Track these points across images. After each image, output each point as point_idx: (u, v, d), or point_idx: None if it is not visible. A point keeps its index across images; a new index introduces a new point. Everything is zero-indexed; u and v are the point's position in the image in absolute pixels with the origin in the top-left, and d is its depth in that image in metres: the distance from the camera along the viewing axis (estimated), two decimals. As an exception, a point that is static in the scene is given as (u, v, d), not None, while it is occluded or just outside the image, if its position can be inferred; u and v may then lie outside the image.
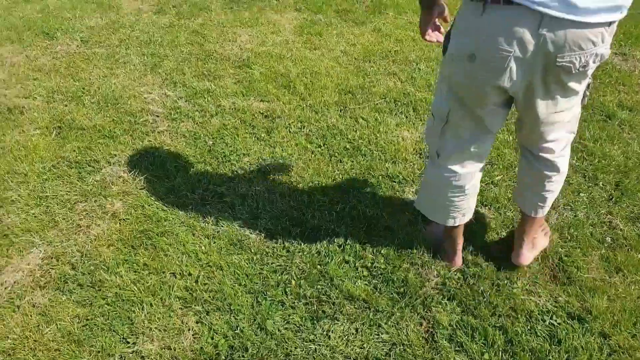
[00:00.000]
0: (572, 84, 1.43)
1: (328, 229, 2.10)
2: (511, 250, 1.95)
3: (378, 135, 2.68)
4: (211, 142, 2.62)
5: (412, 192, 2.31)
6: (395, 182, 2.36)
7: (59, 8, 4.30)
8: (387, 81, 3.17)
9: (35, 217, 2.17)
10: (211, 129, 2.72)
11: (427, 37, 1.63)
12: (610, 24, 1.29)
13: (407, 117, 2.83)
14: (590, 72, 1.42)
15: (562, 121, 1.58)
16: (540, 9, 1.23)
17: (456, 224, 1.83)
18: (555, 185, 1.76)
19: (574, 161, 2.50)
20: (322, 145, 2.61)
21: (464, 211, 1.80)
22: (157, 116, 2.84)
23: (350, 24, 3.99)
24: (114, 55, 3.48)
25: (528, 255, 1.93)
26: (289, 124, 2.78)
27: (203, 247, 2.02)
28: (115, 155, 2.52)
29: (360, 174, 2.40)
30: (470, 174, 1.71)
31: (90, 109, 2.90)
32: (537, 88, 1.42)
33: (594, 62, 1.36)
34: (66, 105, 2.93)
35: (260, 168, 2.44)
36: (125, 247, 2.03)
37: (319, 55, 3.51)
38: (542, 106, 1.48)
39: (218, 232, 2.09)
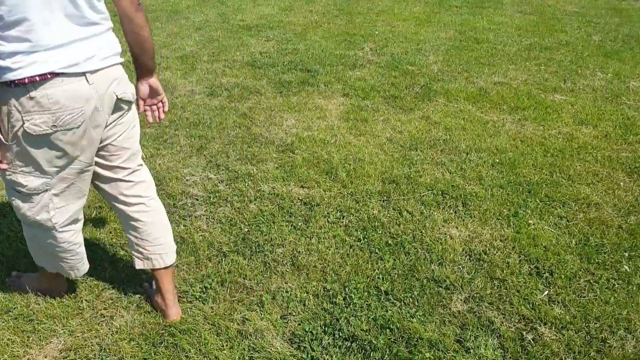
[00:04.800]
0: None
1: (364, 340, 1.88)
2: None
3: (423, 231, 2.49)
4: (246, 230, 2.51)
5: (461, 300, 2.07)
6: (441, 287, 2.14)
7: (118, 88, 4.49)
8: (435, 171, 3.02)
9: (62, 301, 2.08)
10: (248, 215, 2.62)
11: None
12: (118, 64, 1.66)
13: (455, 212, 2.64)
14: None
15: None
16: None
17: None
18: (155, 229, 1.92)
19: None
20: (362, 238, 2.45)
21: None
22: (197, 199, 2.78)
23: (397, 111, 3.93)
24: (162, 136, 3.53)
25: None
26: (328, 213, 2.65)
27: (225, 352, 1.84)
28: (148, 240, 2.44)
29: (403, 276, 2.20)
30: None
31: (131, 189, 2.88)
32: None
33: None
34: (108, 185, 2.92)
35: (294, 262, 2.28)
36: (146, 344, 1.88)
37: (363, 142, 3.43)
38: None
39: (242, 333, 1.92)
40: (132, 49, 1.70)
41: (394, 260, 2.30)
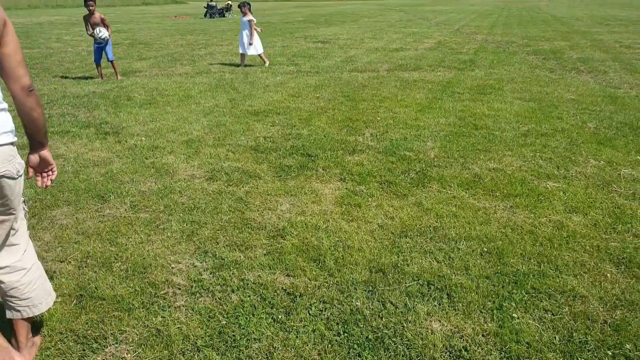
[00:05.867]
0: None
1: None
2: None
3: (405, 325, 2.43)
4: (224, 322, 2.47)
5: (437, 401, 1.98)
6: (417, 387, 2.05)
7: (121, 172, 4.64)
8: (422, 260, 2.99)
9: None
10: (228, 307, 2.59)
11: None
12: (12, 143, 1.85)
13: (439, 304, 2.59)
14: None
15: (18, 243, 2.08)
16: None
17: None
18: (23, 287, 2.11)
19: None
20: (341, 333, 2.39)
21: None
22: (179, 289, 2.77)
23: (391, 196, 3.96)
24: (155, 221, 3.59)
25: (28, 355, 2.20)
26: (310, 305, 2.61)
27: None
28: (125, 331, 2.42)
29: (379, 373, 2.12)
30: None
31: (117, 276, 2.90)
32: None
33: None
34: (95, 272, 2.95)
35: (269, 358, 2.23)
36: None
37: (354, 228, 3.44)
38: None
39: None
40: (25, 127, 1.94)
41: (372, 356, 2.23)
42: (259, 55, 11.30)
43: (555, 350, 2.23)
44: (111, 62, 9.82)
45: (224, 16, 27.92)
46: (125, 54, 13.60)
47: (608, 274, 2.81)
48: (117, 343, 2.34)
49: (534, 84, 8.69)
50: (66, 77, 10.03)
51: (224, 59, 12.63)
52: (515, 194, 3.93)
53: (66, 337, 2.39)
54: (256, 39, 11.03)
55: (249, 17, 10.92)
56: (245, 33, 10.92)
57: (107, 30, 9.50)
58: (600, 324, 2.40)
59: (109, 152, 5.31)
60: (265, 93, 8.59)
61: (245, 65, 11.31)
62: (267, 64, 11.31)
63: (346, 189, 4.16)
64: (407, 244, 3.19)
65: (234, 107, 7.49)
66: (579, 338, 2.30)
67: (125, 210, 3.81)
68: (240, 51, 11.17)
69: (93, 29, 9.40)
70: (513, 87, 8.46)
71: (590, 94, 7.83)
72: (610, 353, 2.21)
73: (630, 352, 2.22)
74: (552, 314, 2.48)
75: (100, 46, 9.61)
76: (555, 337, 2.31)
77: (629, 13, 28.77)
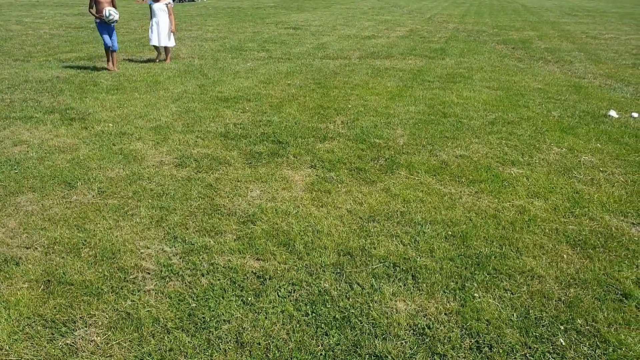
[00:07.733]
0: None
1: (298, 419, 1.85)
2: None
3: (371, 304, 2.50)
4: (194, 305, 2.50)
5: (401, 376, 2.06)
6: (382, 363, 2.13)
7: (88, 158, 4.57)
8: (389, 244, 3.07)
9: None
10: (198, 290, 2.62)
11: None
12: None
13: (404, 284, 2.67)
14: None
15: None
16: None
17: None
18: None
19: (585, 349, 2.22)
20: (310, 313, 2.45)
21: None
22: (148, 273, 2.78)
23: (360, 182, 4.03)
24: (124, 207, 3.57)
25: None
26: (280, 287, 2.66)
27: None
28: (94, 315, 2.43)
29: (346, 351, 2.19)
30: None
31: (86, 262, 2.88)
32: None
33: None
34: (63, 257, 2.92)
35: (239, 339, 2.27)
36: None
37: (324, 213, 3.49)
38: None
39: (176, 415, 1.88)
40: None
41: (339, 335, 2.30)
42: (166, 47, 9.81)
43: (512, 326, 2.35)
44: (114, 51, 9.02)
45: (193, 1, 27.47)
46: (91, 37, 13.26)
47: (564, 255, 2.95)
48: (86, 327, 2.35)
49: (502, 73, 8.87)
50: (28, 61, 9.73)
51: (193, 45, 12.45)
52: (481, 179, 4.05)
53: (34, 321, 2.38)
54: (168, 28, 9.67)
55: (165, 1, 9.56)
56: (158, 21, 9.56)
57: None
58: (555, 301, 2.53)
59: (75, 139, 5.21)
60: (235, 79, 8.52)
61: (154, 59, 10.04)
62: (168, 61, 9.84)
63: (316, 175, 4.20)
64: (375, 228, 3.26)
65: (204, 93, 7.42)
66: (535, 315, 2.43)
67: (93, 196, 3.77)
68: (153, 43, 9.69)
69: (99, 10, 8.42)
70: (482, 76, 8.61)
71: (556, 83, 8.04)
72: (562, 328, 2.34)
73: (581, 326, 2.35)
74: (511, 293, 2.59)
75: (109, 28, 8.74)
76: (513, 315, 2.43)
77: (596, 4, 29.45)
